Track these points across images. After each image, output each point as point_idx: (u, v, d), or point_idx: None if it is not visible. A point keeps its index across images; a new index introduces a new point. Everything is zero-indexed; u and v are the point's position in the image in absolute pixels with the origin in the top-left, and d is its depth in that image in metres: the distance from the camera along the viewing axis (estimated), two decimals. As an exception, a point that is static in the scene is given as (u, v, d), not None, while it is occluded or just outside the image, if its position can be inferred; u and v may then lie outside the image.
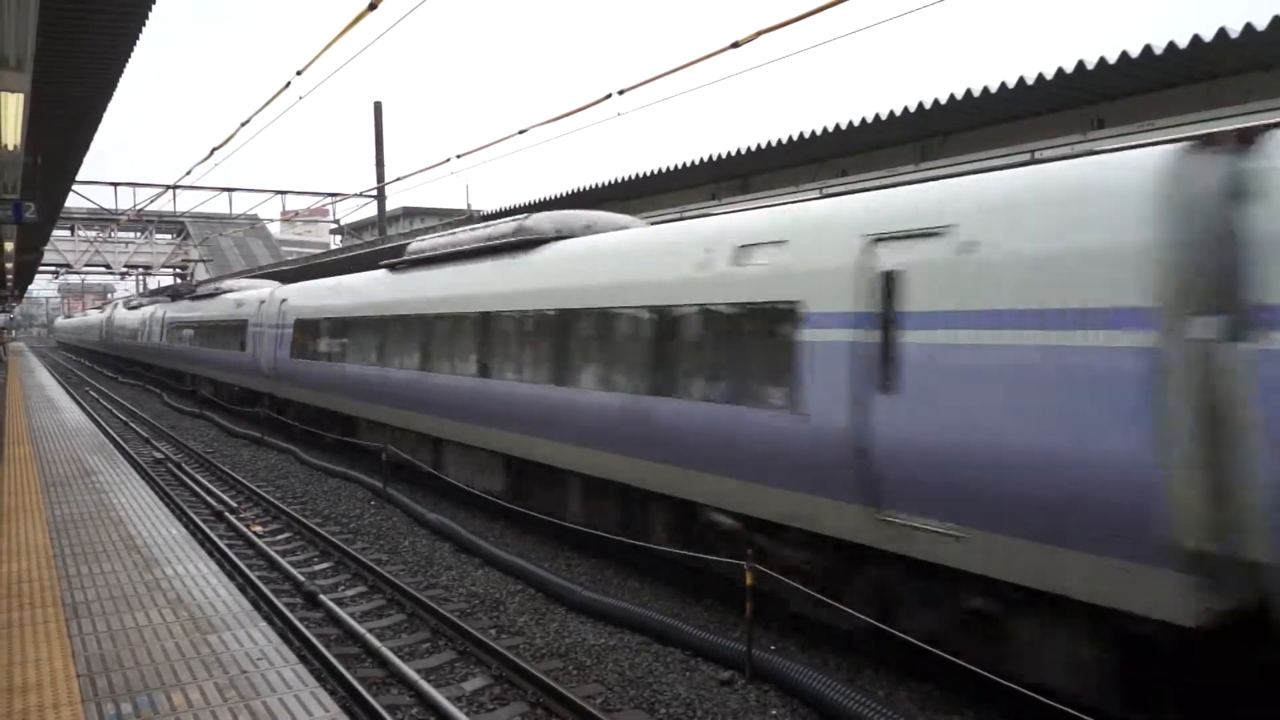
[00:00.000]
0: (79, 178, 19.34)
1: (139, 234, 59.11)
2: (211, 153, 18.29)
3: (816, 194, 12.02)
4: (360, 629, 8.66)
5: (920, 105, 11.24)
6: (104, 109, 12.57)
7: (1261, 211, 4.91)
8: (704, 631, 8.09)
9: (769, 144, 13.64)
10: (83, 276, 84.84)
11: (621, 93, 11.32)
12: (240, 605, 6.52)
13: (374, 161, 33.02)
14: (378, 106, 33.42)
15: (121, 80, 11.21)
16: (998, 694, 6.43)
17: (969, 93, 10.71)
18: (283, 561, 11.14)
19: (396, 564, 11.30)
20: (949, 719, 6.81)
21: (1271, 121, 5.51)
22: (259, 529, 13.27)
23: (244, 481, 16.42)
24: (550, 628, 8.82)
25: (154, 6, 8.90)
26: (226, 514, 13.86)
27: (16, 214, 15.30)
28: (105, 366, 58.16)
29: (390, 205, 40.06)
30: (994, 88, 10.47)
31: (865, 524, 6.76)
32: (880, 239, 6.71)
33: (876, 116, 11.84)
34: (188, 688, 5.04)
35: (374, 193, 34.41)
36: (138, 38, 9.78)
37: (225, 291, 28.05)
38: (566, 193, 18.96)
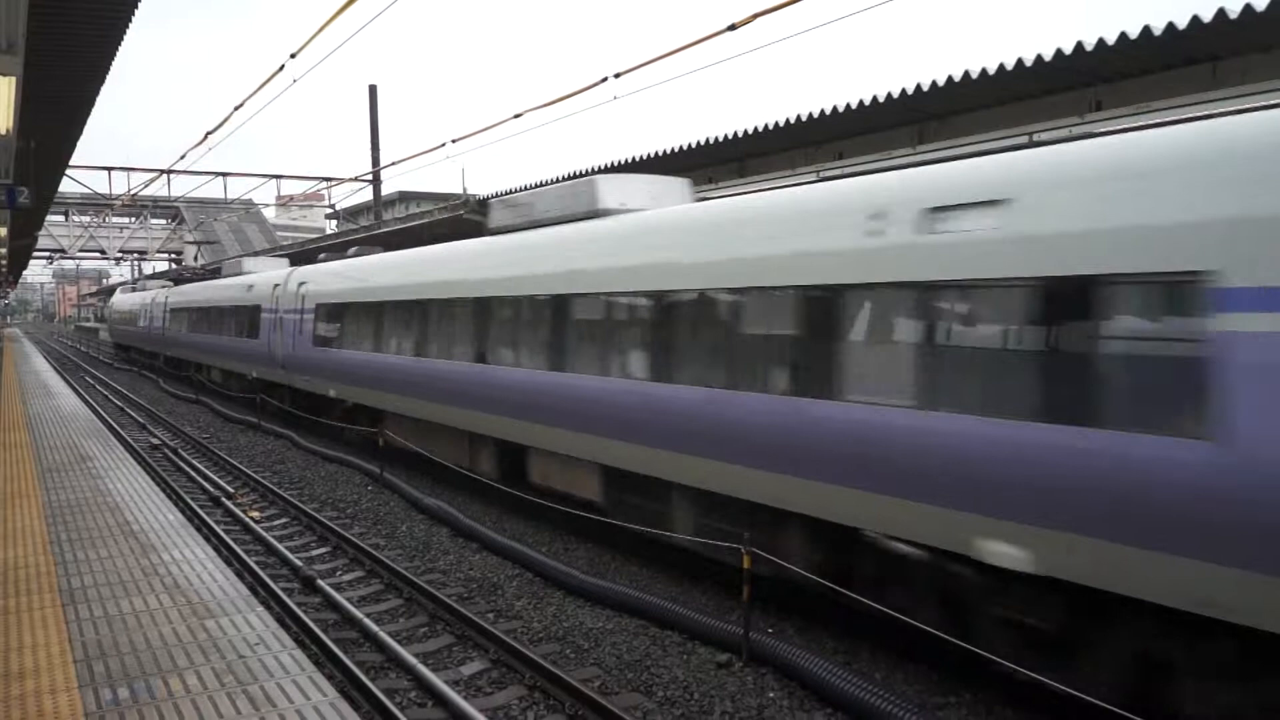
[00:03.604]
0: (72, 162, 19.23)
1: (134, 219, 58.84)
2: (206, 136, 18.21)
3: (814, 177, 11.98)
4: (358, 613, 8.67)
5: (918, 87, 11.18)
6: (97, 92, 12.47)
7: None
8: (701, 615, 8.10)
9: (765, 127, 13.57)
10: (77, 262, 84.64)
11: (618, 76, 11.26)
12: (237, 590, 6.51)
13: (369, 145, 32.84)
14: (373, 90, 33.20)
15: (114, 63, 11.11)
16: (994, 675, 6.45)
17: (966, 74, 10.65)
18: (280, 546, 11.15)
19: (394, 548, 11.31)
20: (945, 700, 6.84)
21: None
22: (256, 514, 13.27)
23: (241, 467, 16.41)
24: (548, 611, 8.84)
25: (145, -12, 8.81)
26: (223, 499, 13.86)
27: (10, 199, 15.23)
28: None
29: (385, 190, 39.91)
30: (992, 69, 10.41)
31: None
32: None
33: (874, 99, 11.78)
34: (185, 673, 5.03)
35: (369, 177, 34.25)
36: (130, 20, 9.69)
37: None
38: (562, 176, 18.87)
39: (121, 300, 50.08)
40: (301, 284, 19.29)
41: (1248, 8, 8.21)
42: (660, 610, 8.38)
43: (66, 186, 30.08)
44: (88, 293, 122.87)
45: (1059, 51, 9.67)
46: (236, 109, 15.19)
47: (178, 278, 41.47)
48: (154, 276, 54.81)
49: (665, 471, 8.79)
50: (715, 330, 8.15)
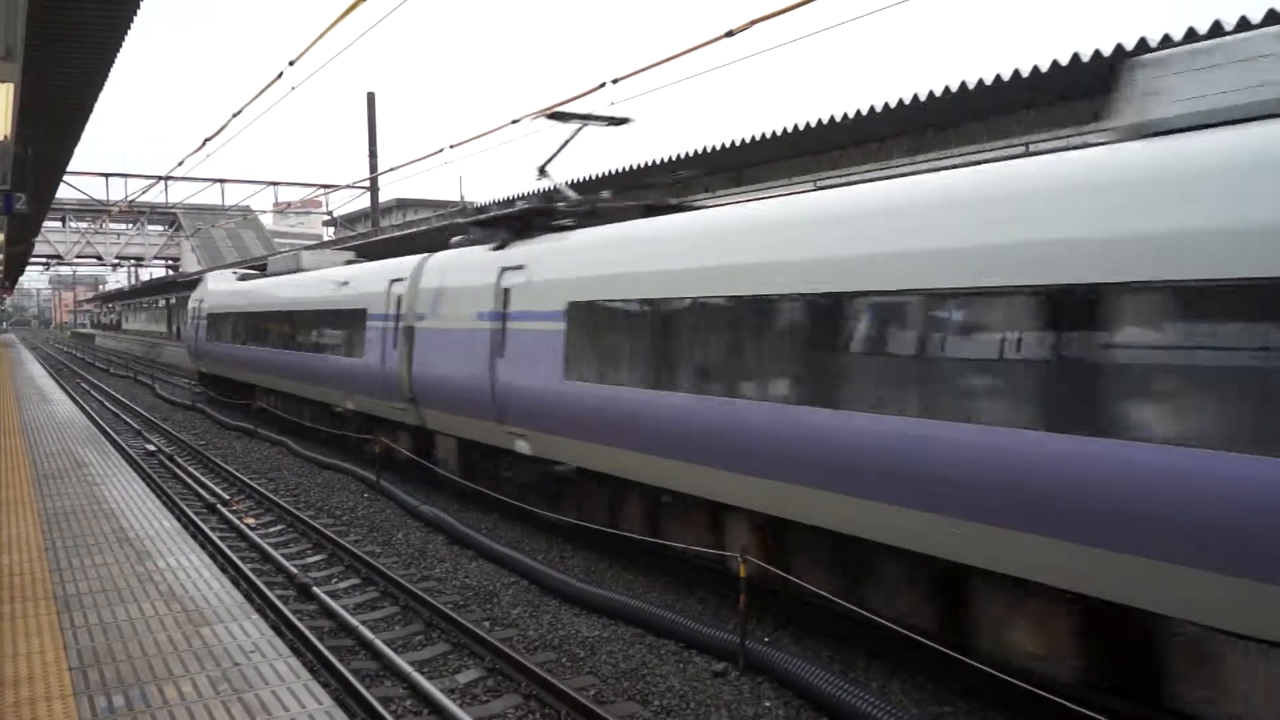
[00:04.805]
0: (70, 168, 19.22)
1: (131, 225, 58.87)
2: (204, 143, 18.21)
3: (811, 186, 12.01)
4: (354, 621, 8.65)
5: (915, 97, 11.21)
6: (95, 99, 12.49)
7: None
8: (698, 623, 8.10)
9: (763, 136, 13.61)
10: (74, 268, 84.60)
11: (615, 81, 11.28)
12: (233, 598, 6.50)
13: (367, 152, 32.89)
14: (370, 97, 33.27)
15: (113, 70, 11.12)
16: (991, 685, 6.45)
17: (964, 85, 10.69)
18: (275, 554, 11.12)
19: (390, 556, 11.29)
20: (941, 709, 6.84)
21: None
22: (251, 521, 13.25)
23: (236, 474, 16.38)
24: (544, 620, 8.82)
25: (145, -5, 8.84)
26: (219, 506, 13.83)
27: (7, 205, 15.24)
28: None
29: (383, 197, 39.97)
30: (989, 80, 10.44)
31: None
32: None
33: (871, 109, 11.82)
34: (180, 681, 5.02)
35: (367, 184, 34.30)
36: (129, 26, 9.71)
37: None
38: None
39: (234, 293, 25.63)
40: None
41: (1243, 20, 8.25)
42: (656, 619, 8.37)
43: (64, 192, 30.09)
44: (89, 296, 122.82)
45: (1055, 63, 9.72)
46: (235, 116, 15.20)
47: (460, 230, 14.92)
48: (344, 242, 29.57)
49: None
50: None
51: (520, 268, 11.38)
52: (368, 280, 16.32)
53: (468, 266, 12.81)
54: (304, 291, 19.66)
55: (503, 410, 11.39)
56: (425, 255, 14.48)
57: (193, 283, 46.60)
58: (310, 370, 18.58)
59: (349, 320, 16.58)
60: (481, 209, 21.45)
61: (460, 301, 12.64)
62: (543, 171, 12.32)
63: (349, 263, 20.69)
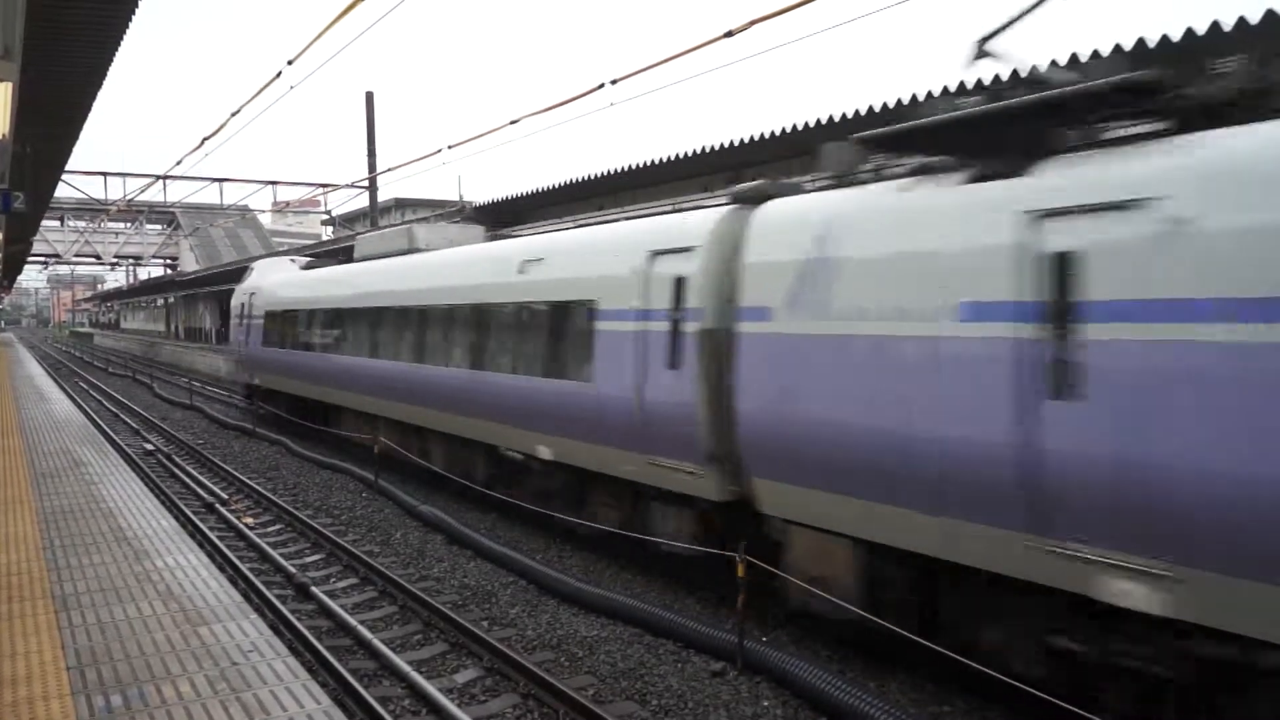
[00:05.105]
0: (68, 167, 19.22)
1: (129, 224, 58.82)
2: (202, 142, 18.19)
3: (810, 187, 11.97)
4: (352, 621, 8.65)
5: (914, 97, 11.22)
6: (93, 98, 12.49)
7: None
8: (696, 623, 8.10)
9: (761, 136, 13.60)
10: (72, 267, 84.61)
11: (614, 82, 11.29)
12: (231, 597, 6.49)
13: (365, 152, 32.86)
14: (369, 97, 33.24)
15: (111, 68, 11.12)
16: (988, 685, 6.45)
17: (962, 85, 10.68)
18: (274, 553, 11.12)
19: (388, 556, 11.29)
20: (940, 709, 6.84)
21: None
22: (250, 520, 13.24)
23: (235, 473, 16.37)
24: (542, 619, 8.82)
25: (144, -6, 8.85)
26: (217, 506, 13.82)
27: (5, 204, 15.23)
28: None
29: (382, 196, 39.94)
30: (988, 80, 10.43)
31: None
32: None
33: (870, 109, 11.82)
34: (178, 680, 5.02)
35: (365, 183, 34.28)
36: (128, 25, 9.71)
37: None
38: (560, 184, 18.89)
39: (308, 284, 19.94)
40: None
41: (1241, 20, 8.25)
42: (655, 619, 8.38)
43: (62, 191, 30.07)
44: (87, 295, 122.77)
45: (1054, 62, 9.71)
46: (234, 115, 15.18)
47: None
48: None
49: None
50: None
51: (1121, 207, 5.40)
52: (594, 255, 10.38)
53: (899, 219, 6.89)
54: (443, 278, 13.67)
55: (1067, 511, 5.58)
56: (735, 206, 8.83)
57: (193, 281, 46.27)
58: (466, 395, 12.48)
59: (554, 320, 10.68)
60: (478, 208, 21.33)
61: (884, 285, 6.79)
62: (983, 50, 7.02)
63: (490, 238, 15.61)
